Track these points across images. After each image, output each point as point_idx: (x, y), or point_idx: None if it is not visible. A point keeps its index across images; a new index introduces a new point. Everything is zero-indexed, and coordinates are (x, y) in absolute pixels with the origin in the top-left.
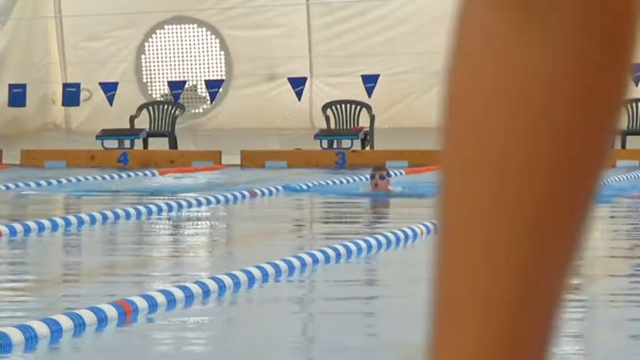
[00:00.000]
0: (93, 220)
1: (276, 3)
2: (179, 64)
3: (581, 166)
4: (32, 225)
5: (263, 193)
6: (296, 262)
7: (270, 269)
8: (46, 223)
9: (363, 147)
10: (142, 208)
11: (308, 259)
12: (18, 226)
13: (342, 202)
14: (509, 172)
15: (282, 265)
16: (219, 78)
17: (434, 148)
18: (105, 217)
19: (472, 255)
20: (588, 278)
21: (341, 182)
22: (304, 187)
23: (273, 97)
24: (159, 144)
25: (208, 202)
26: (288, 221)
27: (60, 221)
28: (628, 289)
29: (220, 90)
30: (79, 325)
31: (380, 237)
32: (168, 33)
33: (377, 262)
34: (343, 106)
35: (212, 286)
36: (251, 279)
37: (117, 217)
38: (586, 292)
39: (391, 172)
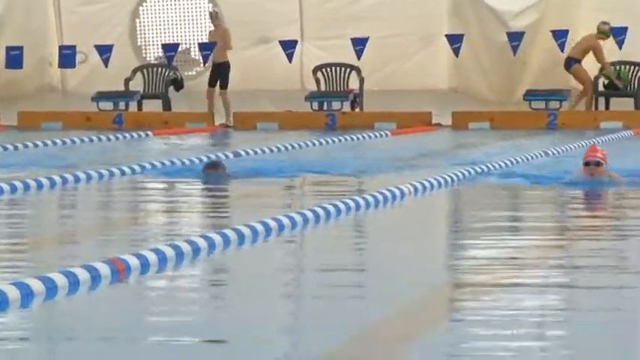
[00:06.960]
0: (88, 178)
1: None
2: (173, 28)
3: None
4: (19, 185)
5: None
6: (286, 221)
7: (259, 228)
8: (32, 183)
9: (353, 109)
10: (135, 167)
11: (298, 218)
12: (5, 186)
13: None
14: None
15: (272, 224)
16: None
17: (421, 109)
18: (98, 176)
19: None
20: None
21: (327, 142)
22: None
23: (264, 60)
24: (153, 106)
25: (200, 162)
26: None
27: (47, 181)
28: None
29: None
30: (73, 282)
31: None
32: None
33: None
34: (333, 68)
35: (202, 244)
36: (241, 237)
37: (111, 175)
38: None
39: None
